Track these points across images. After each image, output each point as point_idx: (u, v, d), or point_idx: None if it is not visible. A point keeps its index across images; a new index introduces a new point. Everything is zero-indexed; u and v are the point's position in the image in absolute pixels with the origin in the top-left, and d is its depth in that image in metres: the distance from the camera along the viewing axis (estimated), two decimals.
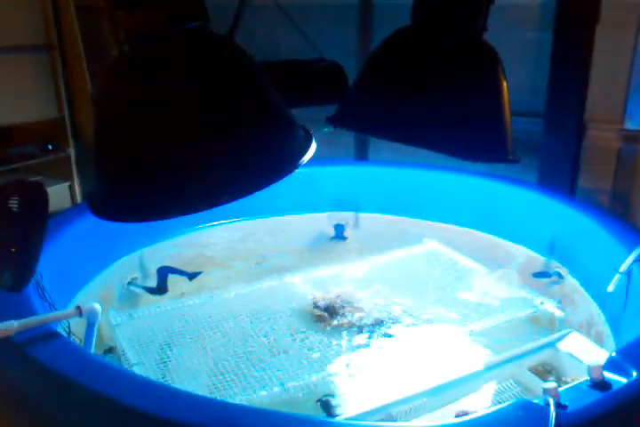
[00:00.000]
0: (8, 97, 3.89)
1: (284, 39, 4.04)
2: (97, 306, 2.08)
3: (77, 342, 2.19)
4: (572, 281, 2.93)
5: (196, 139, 1.81)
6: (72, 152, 4.34)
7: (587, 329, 2.64)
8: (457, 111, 2.23)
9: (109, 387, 1.68)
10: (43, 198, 2.04)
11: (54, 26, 4.03)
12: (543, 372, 2.36)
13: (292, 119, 2.01)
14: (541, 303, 2.85)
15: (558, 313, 2.78)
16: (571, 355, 2.33)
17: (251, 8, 3.52)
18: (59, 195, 4.32)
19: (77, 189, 4.45)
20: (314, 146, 1.96)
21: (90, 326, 2.08)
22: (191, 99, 1.76)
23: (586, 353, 2.33)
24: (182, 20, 1.73)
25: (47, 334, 1.95)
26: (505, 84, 2.25)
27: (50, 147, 4.27)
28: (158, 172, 1.81)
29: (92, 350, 2.14)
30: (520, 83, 3.45)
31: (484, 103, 2.26)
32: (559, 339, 2.44)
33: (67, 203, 4.38)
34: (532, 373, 2.32)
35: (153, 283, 3.28)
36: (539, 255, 3.18)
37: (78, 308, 2.03)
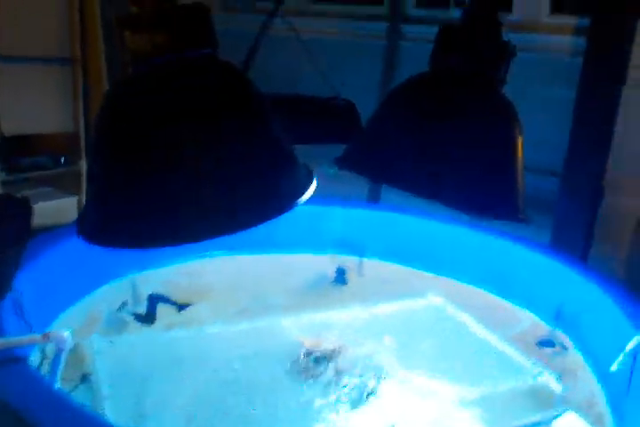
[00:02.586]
0: (28, 107, 3.89)
1: (306, 74, 4.01)
2: (66, 334, 1.97)
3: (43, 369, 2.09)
4: (575, 354, 2.78)
5: (190, 169, 1.75)
6: (83, 166, 4.31)
7: (586, 409, 2.47)
8: (467, 164, 2.14)
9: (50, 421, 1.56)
10: (26, 213, 1.98)
11: (79, 40, 4.04)
12: None
13: (294, 156, 1.95)
14: (539, 373, 2.68)
15: (557, 388, 2.61)
16: None
17: (278, 38, 3.51)
18: (66, 208, 4.29)
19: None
20: (314, 185, 1.89)
21: (57, 354, 1.98)
22: (186, 128, 1.71)
23: None
24: (187, 46, 1.69)
25: (9, 359, 1.84)
26: (520, 139, 2.17)
27: (62, 160, 4.25)
28: (152, 199, 1.76)
29: (57, 381, 2.03)
30: (541, 139, 3.37)
31: (496, 158, 2.17)
32: (555, 417, 2.29)
33: (74, 216, 4.32)
34: None
35: (143, 309, 3.18)
36: (544, 323, 3.04)
37: (46, 334, 1.93)
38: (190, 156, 1.72)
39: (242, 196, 1.73)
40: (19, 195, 2.34)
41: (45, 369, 2.12)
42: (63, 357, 2.00)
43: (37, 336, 1.94)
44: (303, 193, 1.86)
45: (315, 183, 1.88)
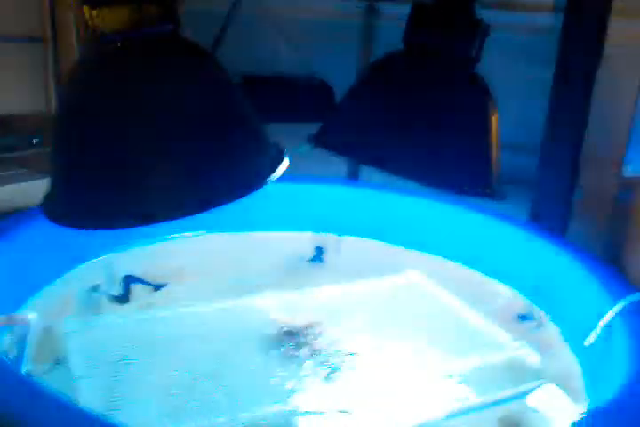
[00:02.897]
0: None
1: (279, 53, 3.95)
2: (31, 316, 1.93)
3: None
4: (553, 327, 2.79)
5: (155, 146, 1.74)
6: None
7: (563, 382, 2.48)
8: (440, 141, 2.15)
9: (22, 411, 1.53)
10: None
11: (49, 18, 3.94)
12: (511, 425, 2.21)
13: (263, 134, 1.93)
14: (517, 347, 2.69)
15: (535, 362, 2.62)
16: (536, 410, 2.18)
17: (252, 17, 3.46)
18: (39, 189, 4.16)
19: None
20: (285, 163, 1.89)
21: (21, 338, 1.94)
22: (150, 106, 1.69)
23: (557, 409, 2.19)
24: (148, 22, 1.65)
25: None
26: (494, 115, 2.15)
27: (35, 140, 4.15)
28: (116, 178, 1.75)
29: (25, 364, 2.00)
30: (522, 118, 3.35)
31: (469, 135, 2.16)
32: (531, 390, 2.30)
33: None
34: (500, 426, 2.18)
35: (118, 291, 3.15)
36: (522, 297, 3.04)
37: (10, 316, 1.89)
38: (154, 133, 1.70)
39: (209, 174, 1.72)
40: None
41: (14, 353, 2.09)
42: (29, 339, 1.96)
43: (2, 317, 1.90)
44: (273, 171, 1.85)
45: (286, 161, 1.87)
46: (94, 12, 1.66)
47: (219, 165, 1.72)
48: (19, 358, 1.96)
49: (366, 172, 4.19)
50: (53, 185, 1.93)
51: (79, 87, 1.79)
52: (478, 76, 2.22)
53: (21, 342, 1.94)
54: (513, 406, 2.25)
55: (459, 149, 2.16)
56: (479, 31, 2.20)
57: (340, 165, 4.20)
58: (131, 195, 1.71)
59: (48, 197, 1.96)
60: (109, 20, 1.66)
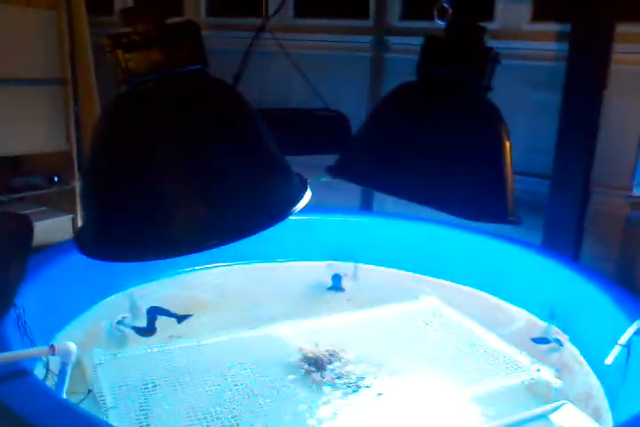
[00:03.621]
0: (20, 127, 3.91)
1: (296, 87, 4.07)
2: (72, 345, 2.00)
3: (48, 382, 2.11)
4: (571, 349, 2.83)
5: (184, 182, 1.79)
6: (77, 185, 4.32)
7: (584, 402, 2.52)
8: (457, 169, 2.20)
9: None
10: (27, 231, 2.01)
11: (69, 61, 4.08)
12: None
13: (287, 166, 1.98)
14: (538, 370, 2.73)
15: (555, 382, 2.65)
16: None
17: (267, 54, 3.58)
18: (61, 227, 4.29)
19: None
20: (308, 194, 1.93)
21: (63, 365, 2.00)
22: (181, 141, 1.75)
23: None
24: (180, 63, 1.73)
25: (16, 372, 1.87)
26: (507, 143, 2.22)
27: (56, 179, 4.26)
28: (145, 214, 1.79)
29: (64, 392, 2.05)
30: (528, 143, 3.44)
31: (485, 163, 2.23)
32: (553, 410, 2.33)
33: (68, 235, 4.34)
34: None
35: (143, 323, 3.21)
36: (538, 320, 3.09)
37: (52, 346, 1.96)
38: (184, 169, 1.75)
39: (237, 206, 1.76)
40: (19, 213, 2.39)
41: (51, 382, 2.14)
42: (69, 368, 2.02)
43: (44, 348, 1.97)
44: (298, 201, 1.90)
45: (309, 192, 1.91)
46: (127, 56, 1.77)
47: (247, 197, 1.77)
48: (59, 387, 2.01)
49: (379, 201, 4.27)
50: (86, 220, 1.98)
51: (111, 126, 1.86)
52: (491, 104, 2.30)
53: (63, 371, 2.00)
54: (537, 426, 2.28)
55: (474, 175, 2.21)
56: (490, 60, 2.28)
57: (353, 195, 4.28)
58: (160, 229, 1.76)
59: (80, 232, 2.00)
60: (142, 62, 1.76)
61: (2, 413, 1.69)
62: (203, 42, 1.83)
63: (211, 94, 1.88)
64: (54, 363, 2.18)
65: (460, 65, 2.34)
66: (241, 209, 1.80)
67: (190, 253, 1.76)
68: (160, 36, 1.79)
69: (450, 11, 2.25)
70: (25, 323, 2.36)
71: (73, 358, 1.99)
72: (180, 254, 1.82)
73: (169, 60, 1.78)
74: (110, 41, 1.78)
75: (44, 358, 2.22)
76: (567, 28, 3.31)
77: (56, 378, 2.10)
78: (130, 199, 1.74)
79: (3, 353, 1.89)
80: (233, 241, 1.74)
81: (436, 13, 2.26)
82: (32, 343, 2.31)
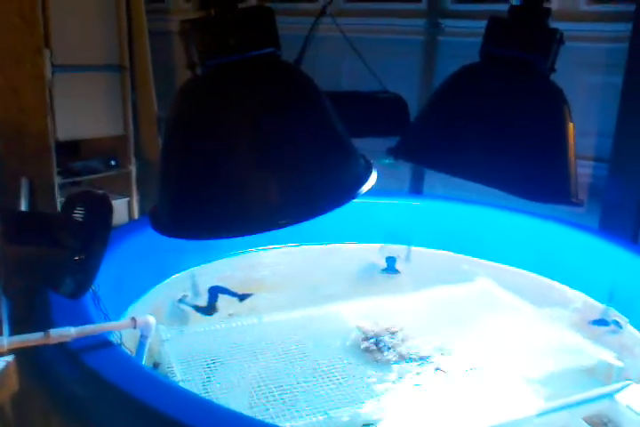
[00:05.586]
0: (80, 113, 4.03)
1: (348, 70, 4.10)
2: (151, 319, 2.10)
3: (128, 352, 2.21)
4: (631, 332, 2.83)
5: (259, 162, 1.83)
6: (133, 169, 4.44)
7: None
8: (521, 150, 2.21)
9: (158, 399, 1.68)
10: (107, 209, 2.08)
11: (127, 48, 4.18)
12: (599, 424, 2.27)
13: (354, 148, 2.02)
14: (597, 351, 2.74)
15: (616, 364, 2.66)
16: (630, 408, 2.23)
17: (318, 38, 3.61)
18: (118, 210, 4.40)
19: (135, 204, 4.55)
20: (374, 176, 1.96)
21: (143, 338, 2.10)
22: (256, 123, 1.79)
23: None
24: (254, 46, 1.77)
25: (102, 343, 1.98)
26: (571, 125, 2.22)
27: (113, 163, 4.38)
28: (220, 192, 1.84)
29: (144, 362, 2.16)
30: (588, 126, 3.42)
31: (549, 143, 2.23)
32: (618, 390, 2.34)
33: (125, 218, 4.48)
34: (587, 423, 2.23)
35: (203, 302, 3.31)
36: (597, 302, 3.09)
37: (133, 319, 2.05)
38: (258, 148, 1.80)
39: (306, 188, 1.80)
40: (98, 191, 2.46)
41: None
42: (148, 341, 2.12)
43: (127, 321, 2.06)
44: (364, 182, 1.93)
45: (375, 173, 1.95)
46: (204, 39, 1.83)
47: (316, 179, 1.82)
48: (138, 358, 2.11)
49: (429, 185, 4.29)
50: (160, 199, 2.05)
51: (188, 108, 1.93)
52: (555, 85, 2.30)
53: (142, 341, 2.10)
54: (601, 405, 2.30)
55: (538, 156, 2.23)
56: (555, 41, 2.28)
57: (402, 179, 4.31)
58: (233, 207, 1.82)
59: (155, 211, 2.06)
60: (217, 45, 1.82)
61: (96, 381, 1.79)
62: (276, 26, 1.87)
63: (283, 77, 1.92)
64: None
65: (524, 46, 2.34)
66: (311, 190, 1.84)
67: (263, 231, 1.80)
68: (235, 20, 1.83)
69: None
70: (100, 299, 2.46)
71: (152, 330, 2.09)
72: (252, 233, 1.86)
73: (243, 44, 1.82)
74: (187, 25, 1.82)
75: (118, 332, 2.31)
76: (629, 7, 3.27)
77: (131, 350, 2.21)
78: (205, 180, 1.78)
79: (89, 325, 1.99)
80: (303, 220, 1.79)
81: None
82: (106, 318, 2.41)
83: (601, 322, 3.01)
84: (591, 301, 3.13)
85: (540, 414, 2.24)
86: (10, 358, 1.93)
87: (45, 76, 3.70)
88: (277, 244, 3.69)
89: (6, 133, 3.93)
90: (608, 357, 2.71)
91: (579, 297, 3.20)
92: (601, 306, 3.06)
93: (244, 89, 1.84)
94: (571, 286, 3.26)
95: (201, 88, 1.89)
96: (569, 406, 2.29)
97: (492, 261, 3.58)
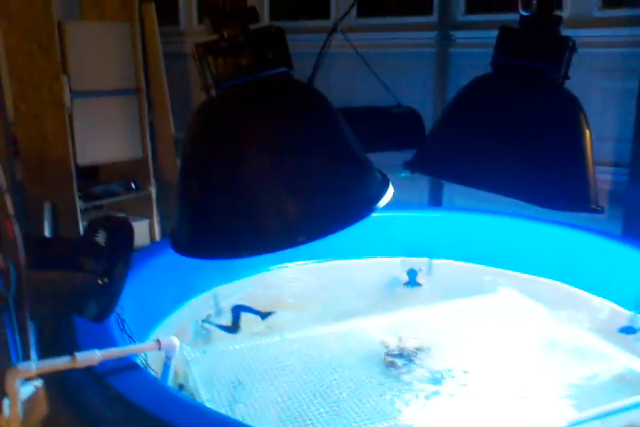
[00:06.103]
0: (99, 138, 4.10)
1: (361, 85, 4.12)
2: (175, 340, 2.11)
3: (154, 374, 2.22)
4: None
5: (275, 181, 1.84)
6: (153, 191, 4.49)
7: None
8: (538, 158, 2.20)
9: (186, 421, 1.69)
10: (129, 233, 2.11)
11: (143, 70, 4.25)
12: None
13: (370, 164, 2.02)
14: (627, 359, 2.69)
15: None
16: None
17: (330, 55, 3.63)
18: (139, 232, 4.46)
19: (156, 226, 4.59)
20: (391, 190, 1.96)
21: (167, 359, 2.11)
22: (271, 142, 1.81)
23: None
24: (266, 67, 1.80)
25: (128, 366, 1.99)
26: (588, 132, 2.21)
27: (133, 186, 4.43)
28: (238, 212, 1.85)
29: (169, 383, 2.17)
30: (605, 132, 3.39)
31: (566, 151, 2.22)
32: None
33: (146, 239, 4.52)
34: None
35: (226, 320, 3.32)
36: (624, 309, 3.04)
37: (158, 341, 2.06)
38: (274, 167, 1.81)
39: (323, 205, 1.80)
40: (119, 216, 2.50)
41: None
42: (173, 362, 2.13)
43: (152, 343, 2.08)
44: (381, 198, 1.93)
45: (392, 188, 1.94)
46: (217, 61, 1.85)
47: (333, 195, 1.82)
48: (163, 380, 2.12)
49: (448, 197, 4.28)
50: (180, 220, 2.07)
51: (204, 129, 1.95)
52: (569, 93, 2.29)
53: (166, 365, 2.11)
54: (634, 415, 2.26)
55: (557, 165, 2.21)
56: (567, 49, 2.27)
57: (421, 191, 4.31)
58: (252, 226, 1.82)
59: (174, 232, 2.08)
60: (231, 67, 1.84)
61: (123, 403, 1.80)
62: (287, 45, 1.89)
63: (296, 96, 1.94)
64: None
65: (536, 55, 2.33)
66: (328, 206, 1.84)
67: (281, 249, 1.81)
68: (246, 42, 1.85)
69: (534, 1, 2.24)
70: (124, 321, 2.48)
71: (176, 351, 2.10)
72: (271, 251, 1.87)
73: (256, 65, 1.84)
74: (200, 48, 1.85)
75: (143, 354, 2.32)
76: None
77: (157, 372, 2.22)
78: (223, 199, 1.80)
79: (115, 348, 2.00)
80: (321, 237, 1.78)
81: (520, 5, 2.26)
82: (131, 340, 2.43)
83: (629, 329, 2.96)
84: (618, 308, 3.08)
85: (571, 425, 2.20)
86: (39, 382, 1.95)
87: (65, 103, 3.77)
88: (296, 261, 3.69)
89: (28, 160, 4.01)
90: (637, 364, 2.67)
91: (605, 305, 3.15)
92: (628, 313, 3.01)
93: (257, 110, 1.86)
94: (596, 294, 3.22)
95: (216, 110, 1.91)
96: (599, 416, 2.24)
97: (514, 270, 3.55)
